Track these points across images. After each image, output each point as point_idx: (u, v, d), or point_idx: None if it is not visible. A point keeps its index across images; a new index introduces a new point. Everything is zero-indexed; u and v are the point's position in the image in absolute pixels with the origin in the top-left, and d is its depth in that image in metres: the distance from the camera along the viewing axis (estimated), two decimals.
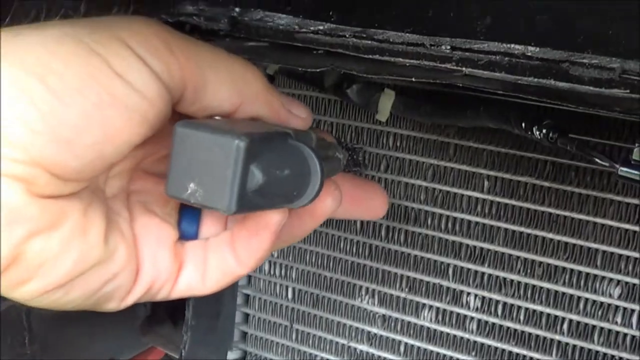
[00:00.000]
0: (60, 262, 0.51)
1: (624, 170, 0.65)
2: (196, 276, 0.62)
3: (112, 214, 0.57)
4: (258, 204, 0.53)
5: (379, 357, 0.99)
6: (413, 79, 0.63)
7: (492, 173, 0.88)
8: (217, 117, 0.57)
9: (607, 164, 0.69)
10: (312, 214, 0.61)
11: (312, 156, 0.56)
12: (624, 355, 0.84)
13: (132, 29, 0.51)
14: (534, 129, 0.71)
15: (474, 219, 0.90)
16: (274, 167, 0.53)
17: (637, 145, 0.63)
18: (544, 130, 0.70)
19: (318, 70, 0.69)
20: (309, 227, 0.65)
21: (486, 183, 0.89)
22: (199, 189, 0.52)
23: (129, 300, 0.59)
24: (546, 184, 0.85)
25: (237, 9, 0.69)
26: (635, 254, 0.82)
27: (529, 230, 0.87)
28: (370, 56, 0.63)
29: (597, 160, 0.70)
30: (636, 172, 0.64)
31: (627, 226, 0.82)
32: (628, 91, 0.53)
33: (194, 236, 0.65)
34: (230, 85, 0.56)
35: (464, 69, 0.59)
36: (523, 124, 0.72)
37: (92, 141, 0.49)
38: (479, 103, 0.79)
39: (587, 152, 0.71)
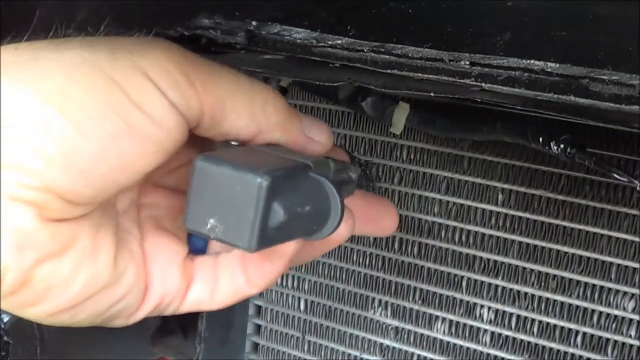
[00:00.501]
0: (69, 286, 0.51)
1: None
2: (205, 293, 0.62)
3: (122, 232, 0.57)
4: (278, 239, 0.53)
5: None
6: (432, 94, 0.63)
7: (506, 186, 0.88)
8: (233, 143, 0.57)
9: (625, 180, 0.69)
10: (325, 241, 0.61)
11: (332, 191, 0.56)
12: None
13: (152, 58, 0.51)
14: (552, 144, 0.71)
15: (487, 231, 0.90)
16: (295, 203, 0.53)
17: None
18: (562, 145, 0.70)
19: (335, 84, 0.69)
20: (319, 253, 0.66)
21: (500, 196, 0.89)
22: (219, 225, 0.51)
23: (137, 317, 0.59)
24: (561, 197, 0.85)
25: (254, 23, 0.69)
26: None
27: (543, 243, 0.87)
28: (389, 71, 0.63)
29: (615, 175, 0.70)
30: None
31: None
32: None
33: (203, 251, 0.65)
34: (249, 117, 0.56)
35: (483, 84, 0.59)
36: (541, 139, 0.72)
37: (107, 170, 0.49)
38: (495, 117, 0.79)
39: (606, 168, 0.71)
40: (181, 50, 0.54)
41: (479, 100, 0.61)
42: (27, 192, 0.46)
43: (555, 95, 0.56)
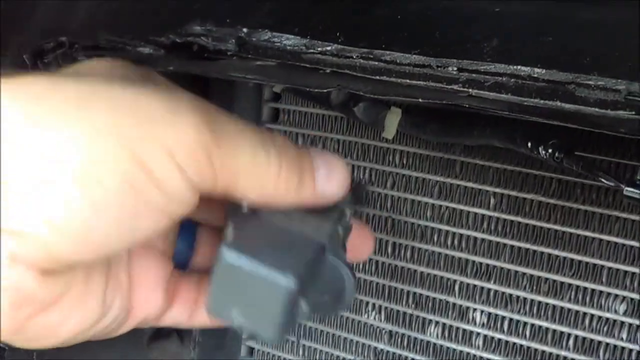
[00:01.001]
0: (59, 330, 0.52)
1: (629, 191, 0.65)
2: (184, 315, 0.62)
3: (111, 261, 0.57)
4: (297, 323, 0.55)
5: None
6: (420, 100, 0.64)
7: (498, 190, 0.88)
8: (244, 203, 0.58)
9: (612, 184, 0.70)
10: None
11: (348, 275, 0.58)
12: None
13: (179, 137, 0.50)
14: (540, 149, 0.71)
15: (480, 235, 0.90)
16: (316, 294, 0.54)
17: None
18: (550, 150, 0.71)
19: (325, 90, 0.70)
20: None
21: (492, 200, 0.89)
22: (243, 314, 0.52)
23: (118, 333, 0.59)
24: (552, 201, 0.85)
25: (244, 30, 0.70)
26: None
27: (534, 247, 0.87)
28: (377, 77, 0.63)
29: (602, 179, 0.71)
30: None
31: (632, 243, 0.82)
32: (633, 112, 0.54)
33: (186, 265, 0.65)
34: (259, 192, 0.56)
35: (470, 90, 0.59)
36: (529, 144, 0.72)
37: (116, 241, 0.49)
38: (485, 122, 0.80)
39: (593, 172, 0.71)
40: (210, 117, 0.53)
41: (467, 106, 0.61)
42: (31, 255, 0.46)
43: (542, 101, 0.57)
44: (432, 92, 0.62)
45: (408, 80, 0.62)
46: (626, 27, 0.55)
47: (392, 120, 0.87)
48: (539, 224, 0.87)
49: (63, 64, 0.81)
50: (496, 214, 0.89)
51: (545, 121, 0.60)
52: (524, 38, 0.58)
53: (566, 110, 0.56)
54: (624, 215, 0.82)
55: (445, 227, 0.92)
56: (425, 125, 0.86)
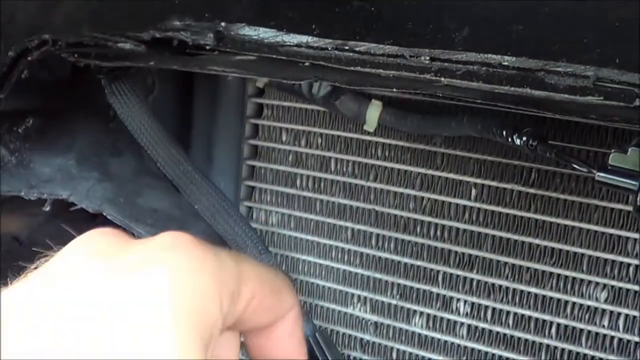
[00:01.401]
0: None
1: (601, 176, 0.66)
2: None
3: None
4: None
5: None
6: (394, 90, 0.64)
7: (479, 181, 0.89)
8: None
9: (585, 170, 0.70)
10: None
11: None
12: (611, 357, 0.85)
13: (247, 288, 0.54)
14: (515, 137, 0.72)
15: (462, 226, 0.91)
16: None
17: (613, 150, 0.65)
18: (524, 138, 0.71)
19: (302, 82, 0.70)
20: None
21: (473, 191, 0.90)
22: None
23: None
24: (532, 190, 0.86)
25: (222, 24, 0.70)
26: (620, 258, 0.84)
27: (516, 237, 0.88)
28: (352, 68, 0.64)
29: (575, 166, 0.71)
30: (613, 177, 0.65)
31: (611, 231, 0.83)
32: (602, 98, 0.55)
33: None
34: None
35: (442, 79, 0.60)
36: (504, 132, 0.73)
37: None
38: (463, 113, 0.81)
39: (566, 159, 0.72)
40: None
41: (440, 95, 0.62)
42: None
43: (512, 88, 0.58)
44: (406, 82, 0.63)
45: (382, 71, 0.63)
46: (594, 15, 0.56)
47: (373, 113, 0.88)
48: (519, 213, 0.88)
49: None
50: (477, 205, 0.90)
51: (517, 109, 0.61)
52: (495, 27, 0.59)
53: (536, 97, 0.57)
54: (603, 203, 0.83)
55: (427, 219, 0.93)
56: (405, 118, 0.87)
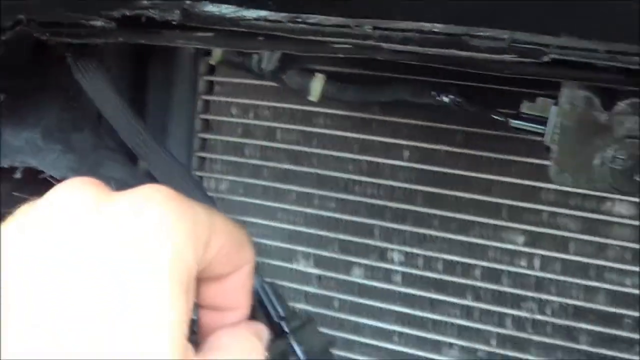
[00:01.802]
0: None
1: (515, 123, 0.78)
2: None
3: None
4: None
5: (317, 313, 1.10)
6: (341, 55, 0.74)
7: (411, 143, 1.00)
8: None
9: (503, 119, 0.82)
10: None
11: None
12: (528, 293, 0.97)
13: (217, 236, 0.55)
14: (442, 96, 0.83)
15: (396, 184, 1.01)
16: None
17: (524, 102, 0.77)
18: (451, 96, 0.83)
19: (259, 51, 0.79)
20: None
21: (406, 152, 1.01)
22: None
23: None
24: (458, 150, 0.97)
25: (187, 1, 0.77)
26: (535, 206, 0.96)
27: (444, 191, 0.99)
28: (305, 37, 0.73)
29: (494, 116, 0.83)
30: (525, 123, 0.77)
31: (527, 182, 0.95)
32: (516, 56, 0.65)
33: None
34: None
35: (383, 44, 0.70)
36: (433, 93, 0.84)
37: None
38: (396, 81, 0.92)
39: (486, 111, 0.84)
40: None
41: (381, 59, 0.72)
42: None
43: (441, 50, 0.68)
44: (353, 49, 0.72)
45: (331, 39, 0.72)
46: None
47: (317, 85, 0.98)
48: (447, 170, 0.99)
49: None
50: (410, 164, 1.01)
51: (446, 67, 0.71)
52: (428, 1, 0.69)
53: (462, 57, 0.67)
54: (520, 158, 0.94)
55: (365, 179, 1.04)
56: (345, 88, 0.97)
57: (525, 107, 0.77)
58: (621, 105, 0.69)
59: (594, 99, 0.69)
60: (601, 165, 0.68)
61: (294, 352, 0.83)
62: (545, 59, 0.64)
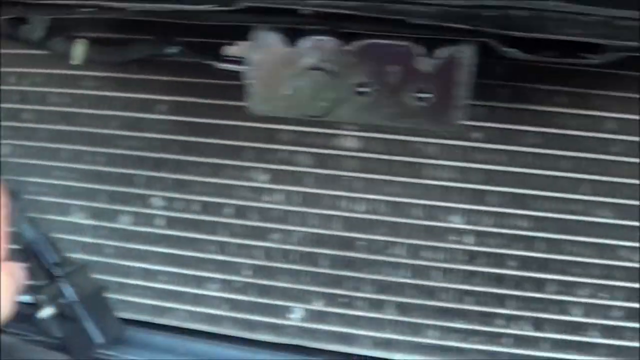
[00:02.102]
0: None
1: (221, 66, 0.94)
2: None
3: None
4: None
5: (91, 260, 1.19)
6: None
7: (165, 98, 1.11)
8: None
9: (211, 62, 0.96)
10: None
11: None
12: (275, 225, 1.11)
13: None
14: (173, 48, 0.99)
15: (154, 135, 1.13)
16: None
17: (225, 46, 0.93)
18: (181, 47, 0.99)
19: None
20: None
21: (163, 106, 1.12)
22: None
23: None
24: (208, 100, 1.09)
25: None
26: (275, 146, 1.09)
27: (202, 140, 1.11)
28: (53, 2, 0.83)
29: (206, 61, 0.97)
30: (228, 65, 0.93)
31: (267, 125, 1.08)
32: (217, 5, 0.77)
33: None
34: None
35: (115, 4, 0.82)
36: (162, 45, 1.00)
37: None
38: (140, 43, 1.05)
39: (203, 57, 0.98)
40: None
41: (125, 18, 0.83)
42: None
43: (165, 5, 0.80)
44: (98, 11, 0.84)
45: (74, 1, 0.83)
46: None
47: (79, 50, 1.08)
48: (202, 121, 1.11)
49: None
50: (168, 117, 1.12)
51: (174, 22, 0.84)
52: None
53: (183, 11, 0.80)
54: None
55: (128, 133, 1.14)
56: (102, 51, 1.08)
57: (228, 51, 0.92)
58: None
59: (281, 38, 0.83)
60: (293, 93, 0.83)
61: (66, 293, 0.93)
62: (240, 6, 0.76)
